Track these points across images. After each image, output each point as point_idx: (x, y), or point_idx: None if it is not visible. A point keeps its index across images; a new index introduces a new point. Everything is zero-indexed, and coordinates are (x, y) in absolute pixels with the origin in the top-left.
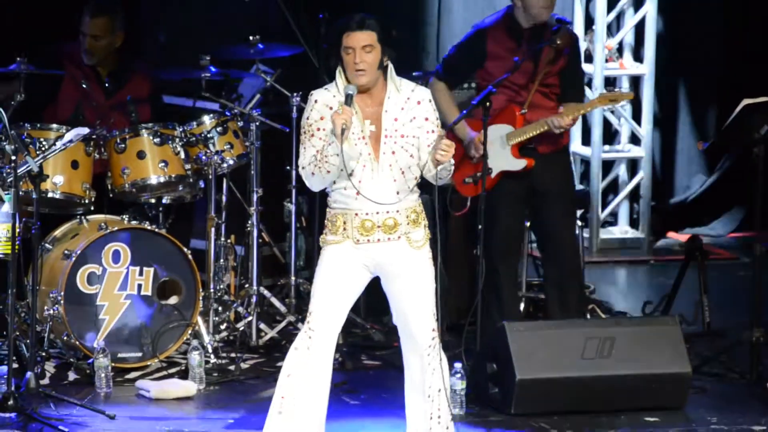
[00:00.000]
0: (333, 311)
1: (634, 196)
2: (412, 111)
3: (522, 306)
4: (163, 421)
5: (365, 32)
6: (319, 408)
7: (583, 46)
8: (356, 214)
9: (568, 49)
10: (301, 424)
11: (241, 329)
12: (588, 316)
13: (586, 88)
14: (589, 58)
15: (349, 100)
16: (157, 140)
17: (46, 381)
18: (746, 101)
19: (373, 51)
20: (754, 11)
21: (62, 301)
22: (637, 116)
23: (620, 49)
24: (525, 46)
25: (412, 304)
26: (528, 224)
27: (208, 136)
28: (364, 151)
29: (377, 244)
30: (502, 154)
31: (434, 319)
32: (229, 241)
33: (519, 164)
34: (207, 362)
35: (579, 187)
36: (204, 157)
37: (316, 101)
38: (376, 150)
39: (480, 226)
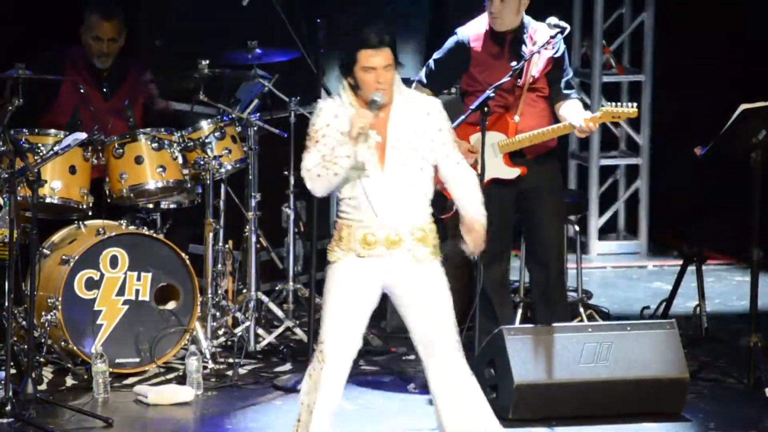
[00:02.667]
0: (346, 338)
1: (632, 202)
2: (422, 123)
3: (519, 312)
4: (161, 427)
5: (384, 50)
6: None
7: (581, 51)
8: (359, 227)
9: (553, 50)
10: None
11: (238, 335)
12: (585, 321)
13: (583, 94)
14: (587, 64)
15: (374, 106)
16: (154, 145)
17: (43, 387)
18: (744, 106)
19: (391, 69)
20: (754, 17)
21: (60, 307)
22: (635, 122)
23: (618, 55)
24: (508, 50)
25: (429, 317)
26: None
27: (206, 141)
28: (371, 159)
29: (380, 258)
30: (494, 162)
31: (454, 328)
32: (227, 246)
33: (513, 173)
34: (205, 367)
35: (575, 194)
36: (202, 162)
37: (321, 109)
38: (382, 160)
39: None
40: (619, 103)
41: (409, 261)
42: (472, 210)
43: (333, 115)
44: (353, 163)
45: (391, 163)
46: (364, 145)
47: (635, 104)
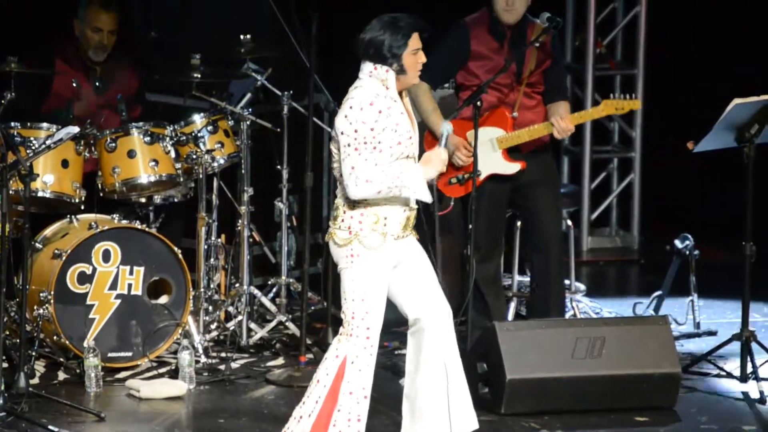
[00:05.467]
0: (381, 323)
1: (625, 196)
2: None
3: (512, 306)
4: (153, 421)
5: None
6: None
7: (574, 45)
8: (404, 210)
9: (551, 48)
10: None
11: (231, 329)
12: (577, 316)
13: (576, 88)
14: (581, 58)
15: (445, 141)
16: (147, 139)
17: (35, 381)
18: (737, 101)
19: None
20: (747, 10)
21: (52, 301)
22: (628, 116)
23: (612, 49)
24: (507, 46)
25: (433, 284)
26: (518, 222)
27: (199, 135)
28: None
29: (404, 240)
30: (492, 157)
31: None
32: (219, 240)
33: (512, 168)
34: (197, 362)
35: (569, 186)
36: (194, 156)
37: (380, 112)
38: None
39: (470, 226)
40: (621, 95)
41: (412, 236)
42: None
43: (385, 116)
44: (415, 198)
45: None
46: (406, 136)
47: (635, 95)
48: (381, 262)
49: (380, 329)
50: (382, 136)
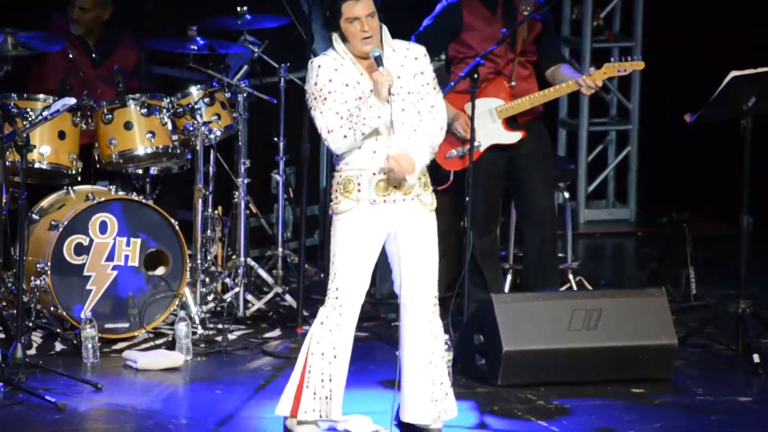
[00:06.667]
0: (359, 285)
1: (621, 169)
2: (412, 67)
3: (508, 279)
4: (150, 392)
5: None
6: (343, 381)
7: (571, 18)
8: (374, 174)
9: (540, 15)
10: (335, 401)
11: (228, 300)
12: (574, 288)
13: (573, 61)
14: (578, 31)
15: (380, 61)
16: (144, 111)
17: (32, 351)
18: (734, 73)
19: (374, 16)
20: None
21: (49, 272)
22: (625, 88)
23: (609, 22)
24: (501, 12)
25: (420, 266)
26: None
27: (196, 107)
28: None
29: (393, 204)
30: (493, 128)
31: (436, 285)
32: (216, 212)
33: (513, 137)
34: (194, 333)
35: (563, 160)
36: (191, 128)
37: (320, 66)
38: None
39: (467, 198)
40: (624, 58)
41: (417, 206)
42: (413, 148)
43: (332, 69)
44: (384, 122)
45: (395, 111)
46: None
47: (640, 56)
48: (354, 227)
49: (356, 292)
50: (330, 86)
